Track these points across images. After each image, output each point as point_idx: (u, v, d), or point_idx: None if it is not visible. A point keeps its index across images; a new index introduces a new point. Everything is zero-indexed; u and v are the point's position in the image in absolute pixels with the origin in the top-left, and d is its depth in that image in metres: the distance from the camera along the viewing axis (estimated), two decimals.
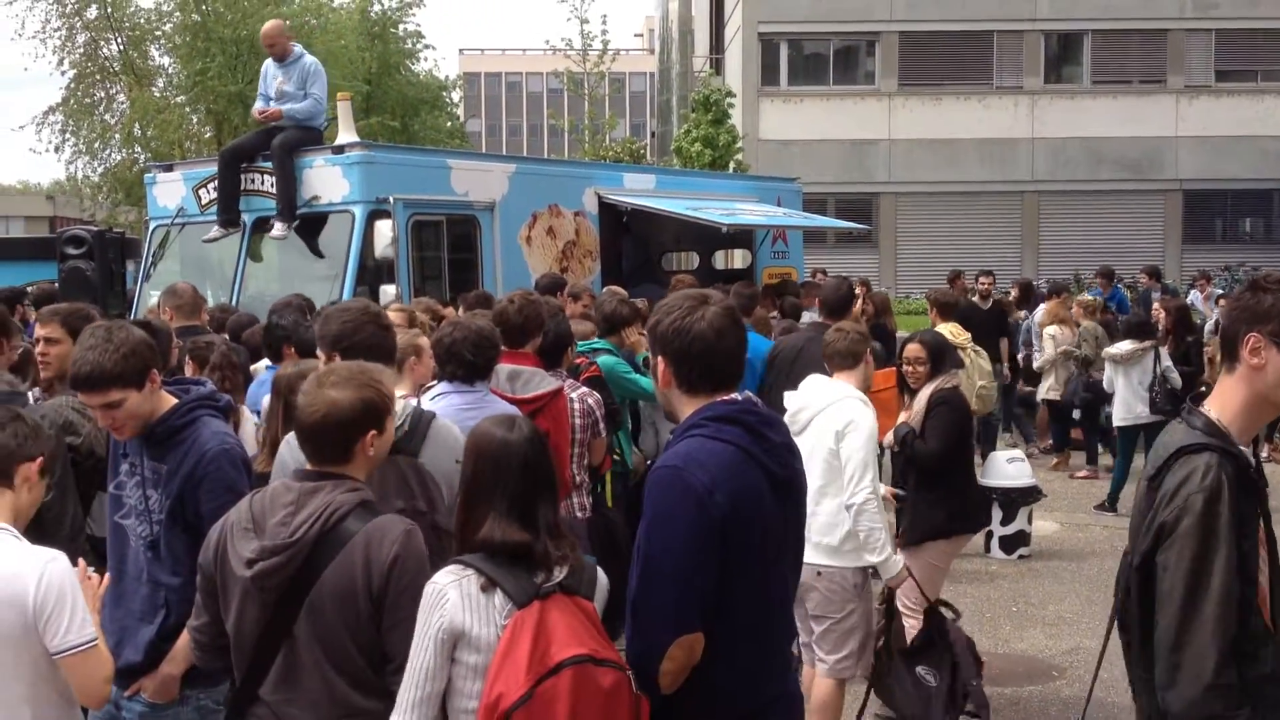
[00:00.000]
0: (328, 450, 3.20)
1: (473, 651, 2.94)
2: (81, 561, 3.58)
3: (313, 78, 10.26)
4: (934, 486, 6.39)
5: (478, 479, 3.11)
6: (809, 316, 10.81)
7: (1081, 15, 30.54)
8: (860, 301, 9.77)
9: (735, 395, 3.14)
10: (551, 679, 2.83)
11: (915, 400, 6.53)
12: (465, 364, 4.98)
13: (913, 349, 6.64)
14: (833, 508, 5.52)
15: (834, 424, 5.51)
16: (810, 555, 5.49)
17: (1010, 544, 9.70)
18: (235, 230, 10.05)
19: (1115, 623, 2.93)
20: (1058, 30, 31.14)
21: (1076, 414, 13.26)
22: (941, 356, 6.71)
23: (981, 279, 14.27)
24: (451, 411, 4.83)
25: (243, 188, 10.12)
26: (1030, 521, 9.81)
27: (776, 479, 3.10)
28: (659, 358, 3.18)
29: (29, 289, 11.60)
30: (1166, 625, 2.65)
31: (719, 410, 3.09)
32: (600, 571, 3.20)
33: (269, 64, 10.43)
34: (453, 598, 2.95)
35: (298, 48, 10.47)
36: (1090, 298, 14.59)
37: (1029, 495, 9.66)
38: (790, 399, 5.75)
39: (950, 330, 9.91)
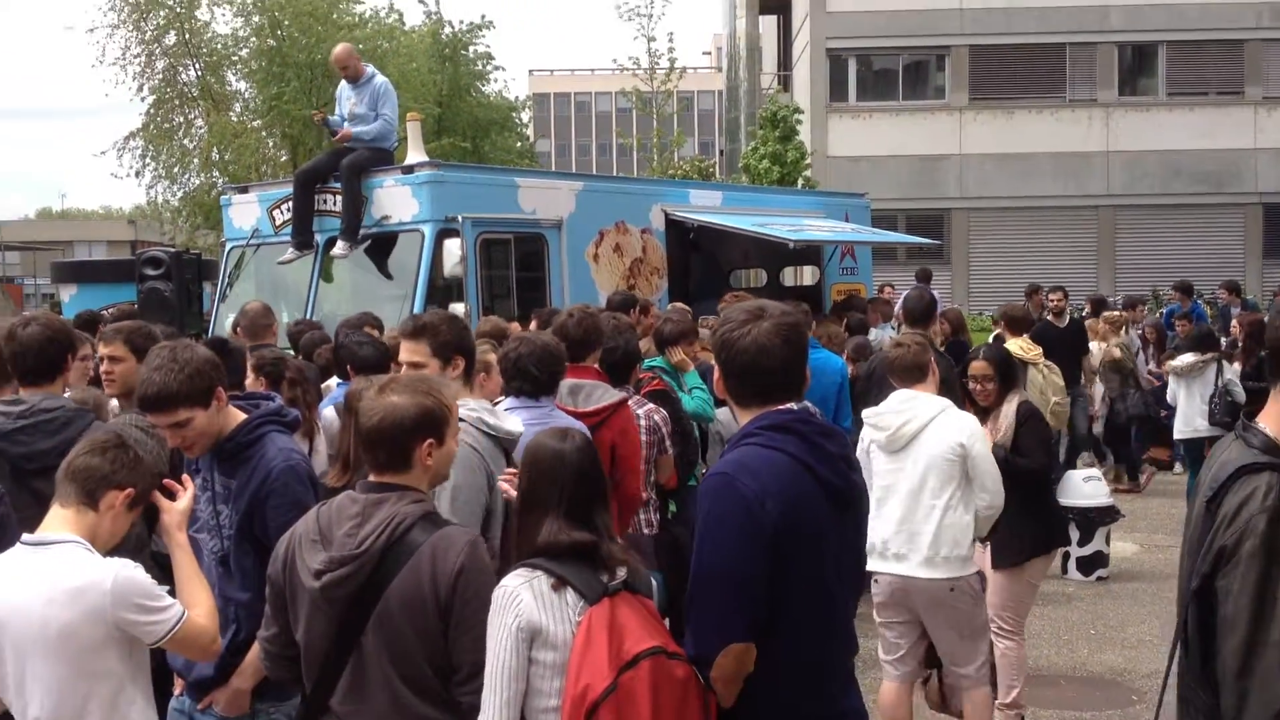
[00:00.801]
0: (385, 456, 3.22)
1: (549, 649, 3.01)
2: (186, 478, 3.73)
3: (383, 98, 10.45)
4: (1033, 501, 6.24)
5: (533, 489, 3.22)
6: (876, 333, 10.75)
7: (1155, 26, 30.07)
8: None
9: (791, 405, 3.13)
10: (631, 670, 2.91)
11: (999, 417, 6.39)
12: (531, 379, 5.01)
13: (979, 366, 6.51)
14: (956, 518, 5.52)
15: (953, 435, 5.52)
16: (940, 570, 5.50)
17: (1088, 565, 9.53)
18: (309, 252, 10.20)
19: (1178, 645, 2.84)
20: (1131, 41, 30.67)
21: (1096, 428, 13.10)
22: (1012, 371, 6.63)
23: (1052, 295, 13.58)
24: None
25: (315, 208, 10.28)
26: (1108, 542, 9.64)
27: (833, 489, 3.08)
28: (717, 366, 3.22)
29: (108, 311, 11.82)
30: (1231, 651, 2.56)
31: (773, 419, 3.09)
32: (652, 576, 3.32)
33: (344, 86, 10.60)
34: (526, 598, 3.03)
35: (369, 69, 10.66)
36: (1117, 313, 14.26)
37: (1106, 515, 9.49)
38: (887, 416, 5.65)
39: (1020, 345, 9.77)
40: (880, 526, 5.55)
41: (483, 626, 3.06)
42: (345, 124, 10.34)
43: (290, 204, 10.38)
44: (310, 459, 5.95)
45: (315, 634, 3.19)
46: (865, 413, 5.83)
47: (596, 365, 5.83)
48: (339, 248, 9.94)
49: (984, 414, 6.41)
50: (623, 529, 5.61)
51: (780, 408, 3.12)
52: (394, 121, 10.57)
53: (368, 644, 3.13)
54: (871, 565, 5.56)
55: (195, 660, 3.71)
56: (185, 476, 3.80)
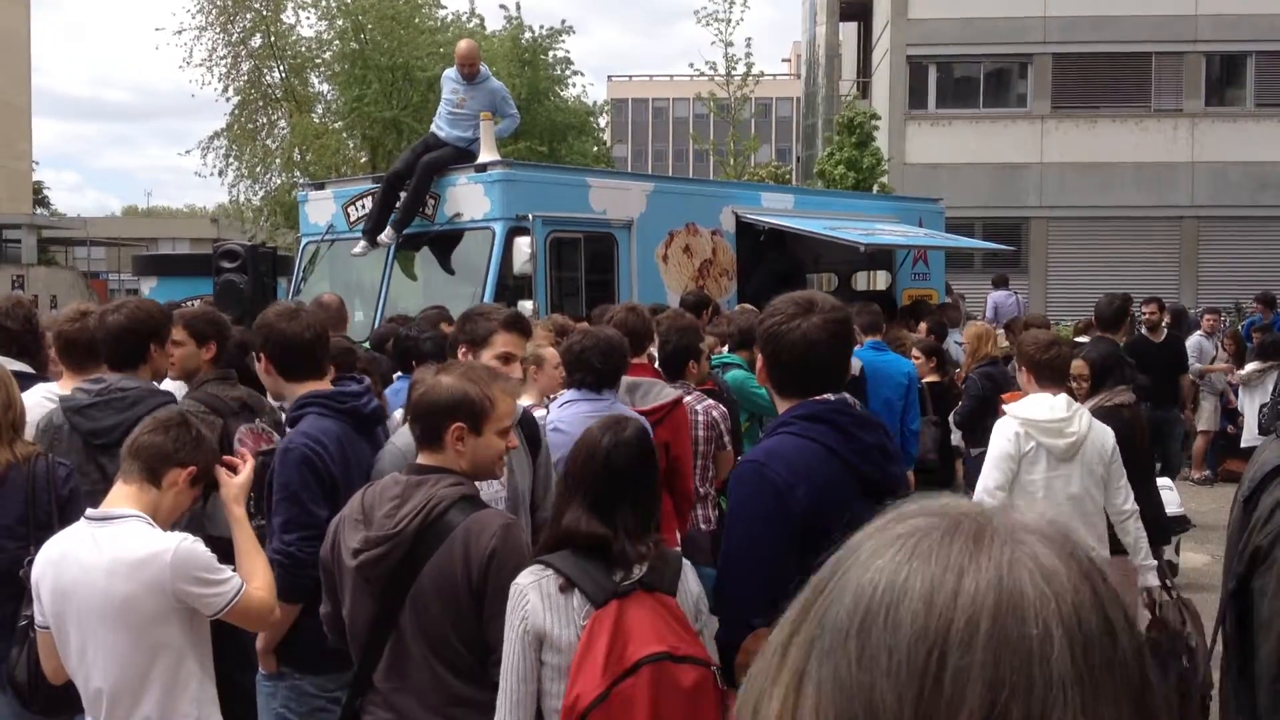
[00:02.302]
0: (419, 430, 3.31)
1: (555, 652, 3.01)
2: (244, 452, 3.85)
3: (505, 99, 10.86)
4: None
5: (568, 473, 3.25)
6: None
7: (1244, 36, 29.49)
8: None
9: (828, 395, 3.13)
10: (630, 678, 2.89)
11: None
12: (594, 371, 5.04)
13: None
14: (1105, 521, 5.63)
15: (1109, 443, 5.59)
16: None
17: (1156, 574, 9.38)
18: (379, 246, 10.33)
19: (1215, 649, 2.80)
20: (1219, 51, 30.10)
21: None
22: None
23: (1146, 308, 12.37)
24: (579, 419, 4.88)
25: (395, 207, 10.40)
26: (1178, 552, 9.48)
27: (867, 480, 3.08)
28: (759, 354, 3.22)
29: (192, 303, 12.06)
30: (1267, 654, 2.51)
31: (808, 409, 3.10)
32: (689, 566, 3.25)
33: (452, 79, 10.66)
34: (533, 599, 3.02)
35: (484, 69, 10.77)
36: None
37: (1176, 525, 9.32)
38: (1069, 423, 5.56)
39: None
40: None
41: None
42: (449, 111, 10.57)
43: (364, 201, 10.53)
44: None
45: (357, 613, 3.25)
46: (1028, 415, 5.58)
47: (648, 360, 5.87)
48: (384, 235, 10.12)
49: None
50: (682, 526, 5.63)
51: (817, 398, 3.13)
52: (518, 116, 11.38)
53: (405, 624, 3.18)
54: None
55: (254, 631, 3.85)
56: (243, 451, 3.92)
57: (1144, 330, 12.46)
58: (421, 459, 3.32)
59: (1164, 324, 12.62)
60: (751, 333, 7.34)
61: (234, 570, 3.53)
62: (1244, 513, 2.64)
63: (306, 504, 3.85)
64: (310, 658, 3.87)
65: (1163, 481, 10.07)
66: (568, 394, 5.12)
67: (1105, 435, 5.61)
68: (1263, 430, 10.61)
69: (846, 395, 3.19)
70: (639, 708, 2.86)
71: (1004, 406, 5.84)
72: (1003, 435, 5.65)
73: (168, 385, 4.95)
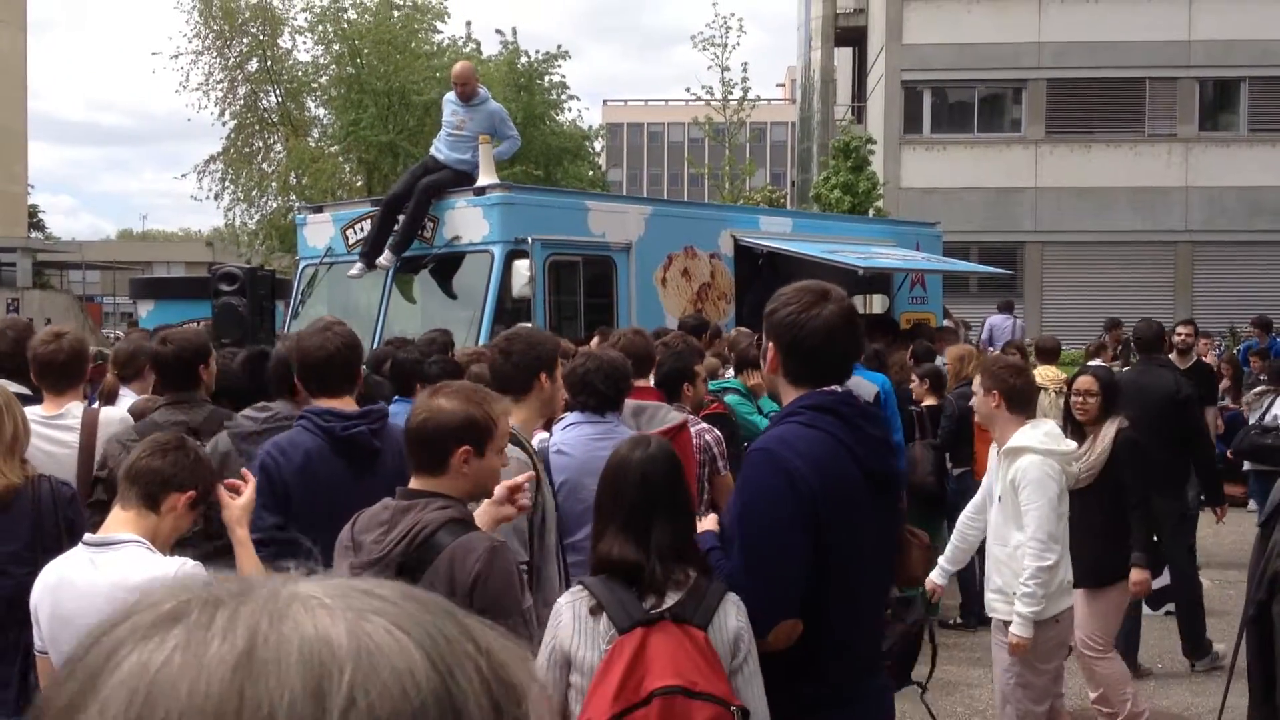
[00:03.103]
0: (423, 456, 3.24)
1: (580, 674, 2.99)
2: (247, 473, 3.88)
3: (504, 120, 10.84)
4: (1117, 526, 6.18)
5: (601, 495, 3.20)
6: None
7: (1238, 61, 29.63)
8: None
9: (835, 387, 3.12)
10: (641, 709, 2.84)
11: (1097, 439, 6.27)
12: (597, 394, 5.01)
13: (1084, 381, 6.54)
14: None
15: None
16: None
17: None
18: (376, 269, 10.31)
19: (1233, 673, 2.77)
20: (1213, 77, 30.25)
21: None
22: (1114, 392, 6.55)
23: (1181, 329, 11.37)
24: (582, 441, 4.87)
25: (394, 230, 10.38)
26: None
27: (870, 472, 3.07)
28: (770, 343, 3.19)
29: (189, 326, 12.01)
30: None
31: (816, 399, 3.10)
32: (733, 600, 3.08)
33: (451, 101, 10.66)
34: (565, 619, 3.03)
35: (483, 90, 10.77)
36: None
37: None
38: (1073, 455, 5.60)
39: (1042, 373, 9.49)
40: (1066, 562, 5.43)
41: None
42: (448, 134, 10.55)
43: (363, 224, 10.51)
44: None
45: None
46: (1053, 447, 5.38)
47: (650, 383, 5.86)
48: (382, 259, 10.09)
49: (1080, 432, 6.32)
50: None
51: (825, 389, 3.12)
52: (519, 138, 11.39)
53: None
54: (1065, 603, 5.40)
55: None
56: (245, 471, 3.87)
57: (1175, 355, 11.68)
58: (415, 483, 3.26)
59: (1194, 349, 11.70)
60: (746, 359, 7.31)
61: None
62: (1261, 537, 2.62)
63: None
64: None
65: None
66: (570, 416, 5.10)
67: None
68: (1235, 454, 10.58)
69: (851, 388, 3.18)
70: None
71: (1018, 441, 5.37)
72: (1046, 476, 5.29)
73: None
